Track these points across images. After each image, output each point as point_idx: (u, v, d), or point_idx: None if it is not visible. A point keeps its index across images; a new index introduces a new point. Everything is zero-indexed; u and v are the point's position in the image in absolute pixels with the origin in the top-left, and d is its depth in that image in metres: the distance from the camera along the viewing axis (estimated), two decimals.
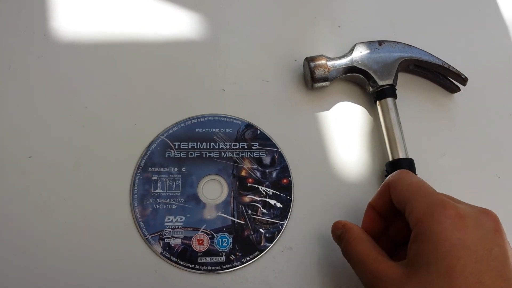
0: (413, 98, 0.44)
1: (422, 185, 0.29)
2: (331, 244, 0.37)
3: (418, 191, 0.29)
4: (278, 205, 0.39)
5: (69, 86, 0.42)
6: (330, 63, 0.41)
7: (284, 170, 0.40)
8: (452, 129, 0.43)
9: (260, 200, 0.39)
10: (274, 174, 0.40)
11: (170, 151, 0.40)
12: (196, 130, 0.41)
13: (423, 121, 0.43)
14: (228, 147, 0.40)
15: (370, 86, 0.41)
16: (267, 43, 0.45)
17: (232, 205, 0.38)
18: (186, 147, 0.40)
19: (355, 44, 0.42)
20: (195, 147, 0.40)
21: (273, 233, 0.38)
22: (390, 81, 0.40)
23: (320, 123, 0.42)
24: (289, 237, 0.38)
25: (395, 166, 0.38)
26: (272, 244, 0.37)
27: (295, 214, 0.38)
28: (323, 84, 0.41)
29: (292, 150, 0.41)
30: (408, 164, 0.37)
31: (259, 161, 0.40)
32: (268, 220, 0.38)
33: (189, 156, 0.40)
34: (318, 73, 0.40)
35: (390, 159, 0.38)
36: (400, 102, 0.41)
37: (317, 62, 0.40)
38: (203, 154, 0.40)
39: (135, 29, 0.45)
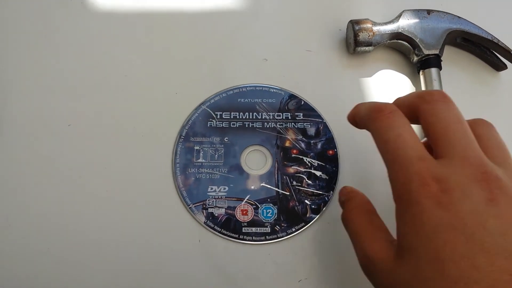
0: (457, 73, 0.42)
1: (401, 144, 0.24)
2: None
3: (397, 154, 0.23)
4: (324, 176, 0.37)
5: (108, 54, 0.41)
6: (375, 28, 0.39)
7: (330, 141, 0.39)
8: (496, 107, 0.41)
9: (305, 171, 0.38)
10: (319, 145, 0.39)
11: (212, 121, 0.39)
12: (238, 100, 0.40)
13: (466, 98, 0.40)
14: (271, 117, 0.39)
15: (414, 54, 0.40)
16: (310, 11, 0.43)
17: (276, 176, 0.37)
18: (228, 117, 0.39)
19: (403, 11, 0.40)
20: (238, 117, 0.39)
21: (319, 204, 0.37)
22: (436, 51, 0.39)
23: (364, 94, 0.41)
24: (336, 209, 0.36)
25: None
26: (318, 216, 0.36)
27: (342, 186, 0.37)
28: (366, 48, 0.39)
29: (337, 122, 0.39)
30: None
31: (303, 132, 0.39)
32: (313, 192, 0.37)
33: (231, 126, 0.39)
34: (362, 36, 0.39)
35: None
36: (443, 76, 0.39)
37: (362, 25, 0.39)
38: (245, 124, 0.39)
39: None
